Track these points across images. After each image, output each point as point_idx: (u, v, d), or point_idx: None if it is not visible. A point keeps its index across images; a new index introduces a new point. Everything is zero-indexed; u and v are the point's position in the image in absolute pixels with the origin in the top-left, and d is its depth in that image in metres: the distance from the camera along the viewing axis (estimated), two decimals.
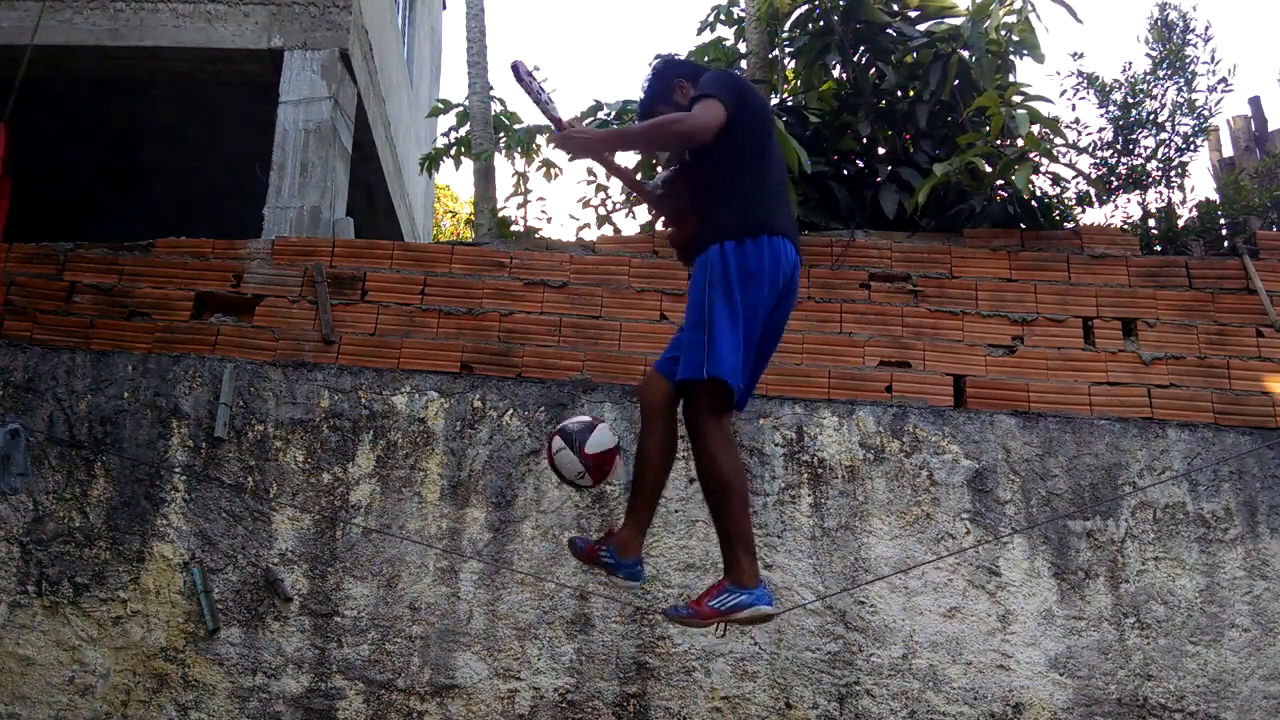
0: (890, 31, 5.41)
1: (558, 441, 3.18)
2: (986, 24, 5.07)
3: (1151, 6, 8.76)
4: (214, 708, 4.01)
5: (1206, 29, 6.02)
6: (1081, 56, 8.28)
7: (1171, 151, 5.79)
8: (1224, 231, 5.39)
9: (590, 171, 6.46)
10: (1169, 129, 5.80)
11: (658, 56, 3.45)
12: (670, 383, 3.13)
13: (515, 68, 3.22)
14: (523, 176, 6.66)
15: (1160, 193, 5.79)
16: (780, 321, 3.20)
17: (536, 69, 3.08)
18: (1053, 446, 4.31)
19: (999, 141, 4.85)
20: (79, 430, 4.37)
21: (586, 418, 3.28)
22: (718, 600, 2.97)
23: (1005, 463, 4.29)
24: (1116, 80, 5.93)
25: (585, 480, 3.18)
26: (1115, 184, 5.75)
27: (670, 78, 3.34)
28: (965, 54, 5.14)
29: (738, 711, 3.98)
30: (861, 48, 5.49)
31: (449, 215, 16.03)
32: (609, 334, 4.58)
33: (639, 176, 3.52)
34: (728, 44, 6.34)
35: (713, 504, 3.06)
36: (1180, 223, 5.34)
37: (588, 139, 3.16)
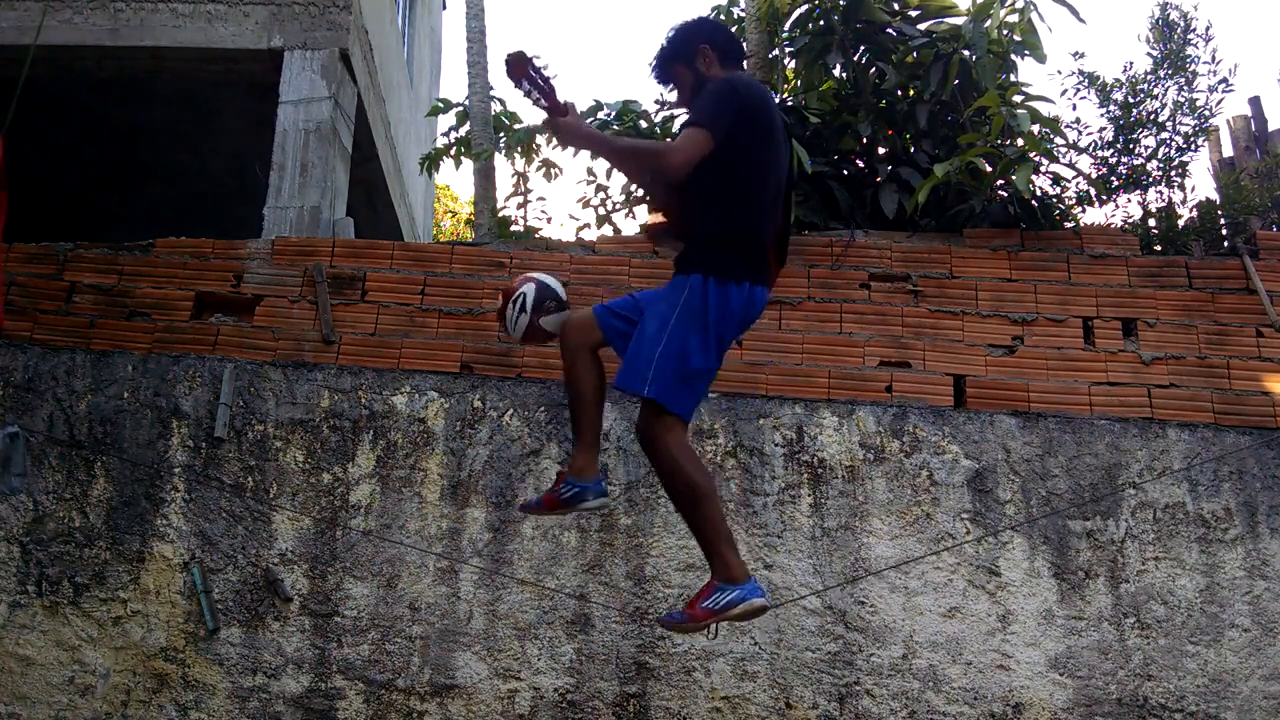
0: (891, 31, 5.40)
1: (530, 288, 3.30)
2: (988, 24, 5.07)
3: (1152, 6, 8.74)
4: (214, 708, 4.01)
5: (1207, 29, 6.03)
6: (1082, 56, 8.25)
7: (1172, 151, 5.79)
8: (1224, 231, 5.38)
9: (590, 171, 6.47)
10: (1169, 129, 5.80)
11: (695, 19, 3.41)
12: (604, 337, 3.21)
13: (511, 67, 3.08)
14: (523, 176, 6.67)
15: (1160, 193, 5.80)
16: None
17: (536, 57, 3.01)
18: (1053, 446, 4.31)
19: (999, 141, 4.85)
20: (79, 430, 4.37)
21: (563, 299, 3.36)
22: (710, 600, 2.97)
23: (1005, 463, 4.29)
24: (1117, 80, 5.93)
25: (518, 320, 3.29)
26: (1115, 184, 5.74)
27: (696, 41, 3.26)
28: (966, 54, 5.13)
29: (738, 711, 3.97)
30: (862, 47, 5.49)
31: (449, 215, 16.03)
32: None
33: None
34: None
35: (684, 510, 3.06)
36: (1180, 223, 5.33)
37: (579, 135, 3.16)
